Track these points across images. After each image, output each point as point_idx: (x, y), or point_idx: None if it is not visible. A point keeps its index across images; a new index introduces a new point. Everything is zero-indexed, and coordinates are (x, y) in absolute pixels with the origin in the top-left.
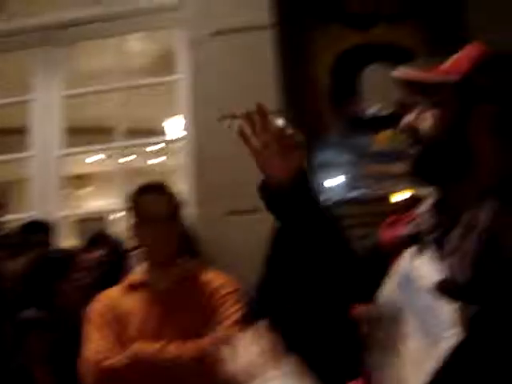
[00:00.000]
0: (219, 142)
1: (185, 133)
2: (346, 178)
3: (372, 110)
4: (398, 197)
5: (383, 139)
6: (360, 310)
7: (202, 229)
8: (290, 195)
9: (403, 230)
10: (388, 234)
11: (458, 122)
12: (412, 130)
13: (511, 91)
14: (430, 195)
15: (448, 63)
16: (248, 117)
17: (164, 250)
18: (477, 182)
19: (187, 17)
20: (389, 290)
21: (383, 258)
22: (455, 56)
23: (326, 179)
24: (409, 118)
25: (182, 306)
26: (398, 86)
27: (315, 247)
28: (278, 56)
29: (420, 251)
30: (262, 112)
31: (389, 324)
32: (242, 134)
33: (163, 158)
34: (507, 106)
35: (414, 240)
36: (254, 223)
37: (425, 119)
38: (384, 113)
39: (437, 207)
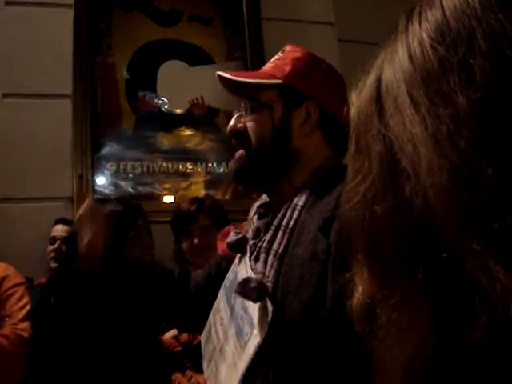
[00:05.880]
0: None
1: None
2: (134, 173)
3: (166, 106)
4: (171, 197)
5: (176, 136)
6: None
7: None
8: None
9: (228, 240)
10: (221, 245)
11: (283, 123)
12: (237, 133)
13: (329, 88)
14: (261, 199)
15: (270, 66)
16: None
17: None
18: (295, 182)
19: None
20: (219, 297)
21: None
22: (276, 59)
23: (112, 172)
24: (232, 122)
25: None
26: (223, 86)
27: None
28: (76, 39)
29: (242, 257)
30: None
31: (216, 333)
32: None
33: None
34: (326, 102)
35: (239, 247)
36: (31, 212)
37: (247, 123)
38: (178, 110)
39: (261, 212)
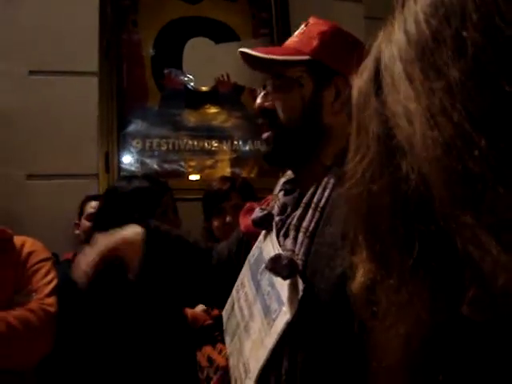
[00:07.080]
0: (21, 101)
1: None
2: (160, 150)
3: (192, 84)
4: (196, 175)
5: (201, 114)
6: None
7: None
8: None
9: (253, 216)
10: (244, 221)
11: (313, 101)
12: (264, 112)
13: (356, 63)
14: (286, 175)
15: (294, 40)
16: None
17: None
18: (324, 160)
19: None
20: (243, 273)
21: (247, 245)
22: (300, 33)
23: (138, 150)
24: (259, 101)
25: None
26: (246, 64)
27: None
28: (102, 17)
29: (268, 233)
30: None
31: (240, 309)
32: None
33: None
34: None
35: (264, 223)
36: (55, 188)
37: (276, 101)
38: (204, 88)
39: (287, 188)
